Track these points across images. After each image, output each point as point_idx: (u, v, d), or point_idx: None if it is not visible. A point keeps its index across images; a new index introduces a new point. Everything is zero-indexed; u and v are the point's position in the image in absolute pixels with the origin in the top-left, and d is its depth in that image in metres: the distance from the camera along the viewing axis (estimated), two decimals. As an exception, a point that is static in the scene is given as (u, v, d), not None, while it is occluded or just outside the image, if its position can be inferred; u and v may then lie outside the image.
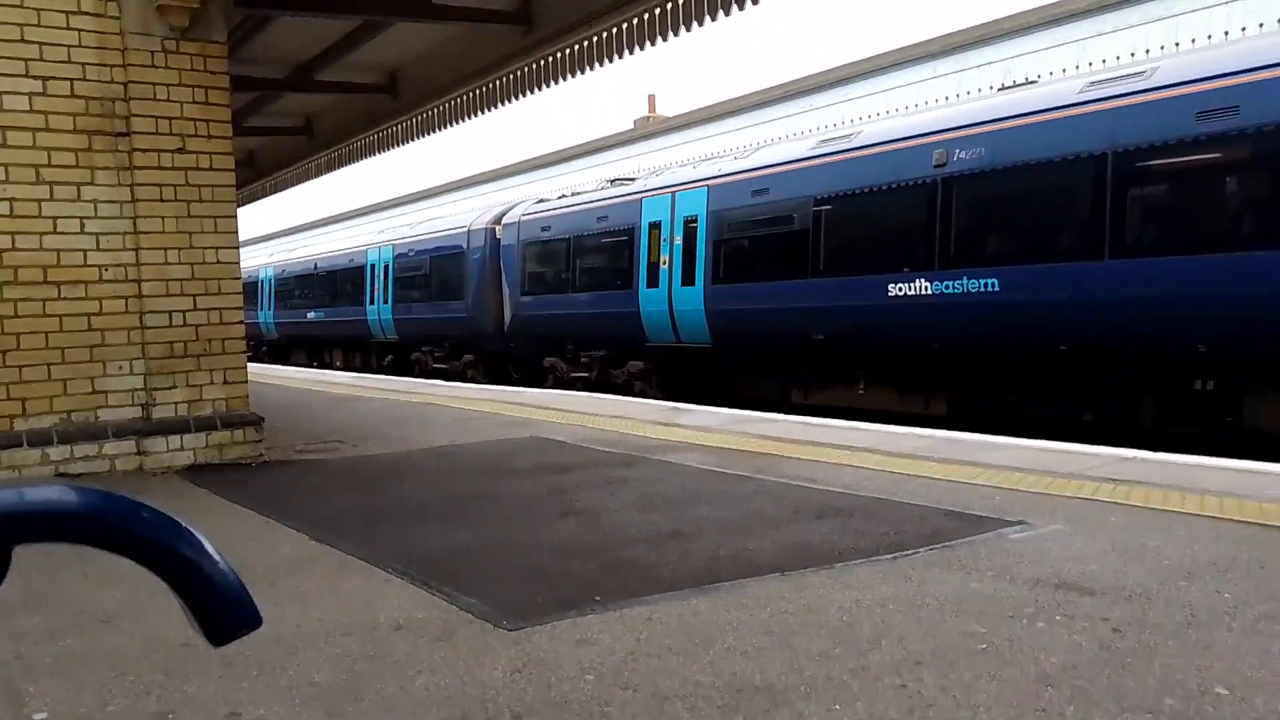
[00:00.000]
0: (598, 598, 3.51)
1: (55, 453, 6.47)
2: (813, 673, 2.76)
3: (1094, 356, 8.72)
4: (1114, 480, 5.46)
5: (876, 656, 2.87)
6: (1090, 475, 5.64)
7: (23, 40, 6.31)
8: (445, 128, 13.70)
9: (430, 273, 19.99)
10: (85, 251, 6.58)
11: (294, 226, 50.18)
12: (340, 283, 24.22)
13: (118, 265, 6.69)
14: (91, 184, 6.58)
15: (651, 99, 31.28)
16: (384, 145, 15.47)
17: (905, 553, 4.05)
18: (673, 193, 13.66)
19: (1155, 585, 3.50)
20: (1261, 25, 14.66)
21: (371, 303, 22.24)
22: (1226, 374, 7.96)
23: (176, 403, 6.91)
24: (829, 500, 5.18)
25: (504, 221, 17.87)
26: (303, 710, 2.60)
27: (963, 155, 9.57)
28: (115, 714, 2.62)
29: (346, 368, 23.98)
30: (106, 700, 2.71)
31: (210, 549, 0.95)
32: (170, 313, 6.87)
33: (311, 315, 25.89)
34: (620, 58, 9.97)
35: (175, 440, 6.88)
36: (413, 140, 14.73)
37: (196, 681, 2.81)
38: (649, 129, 28.91)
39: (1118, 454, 6.36)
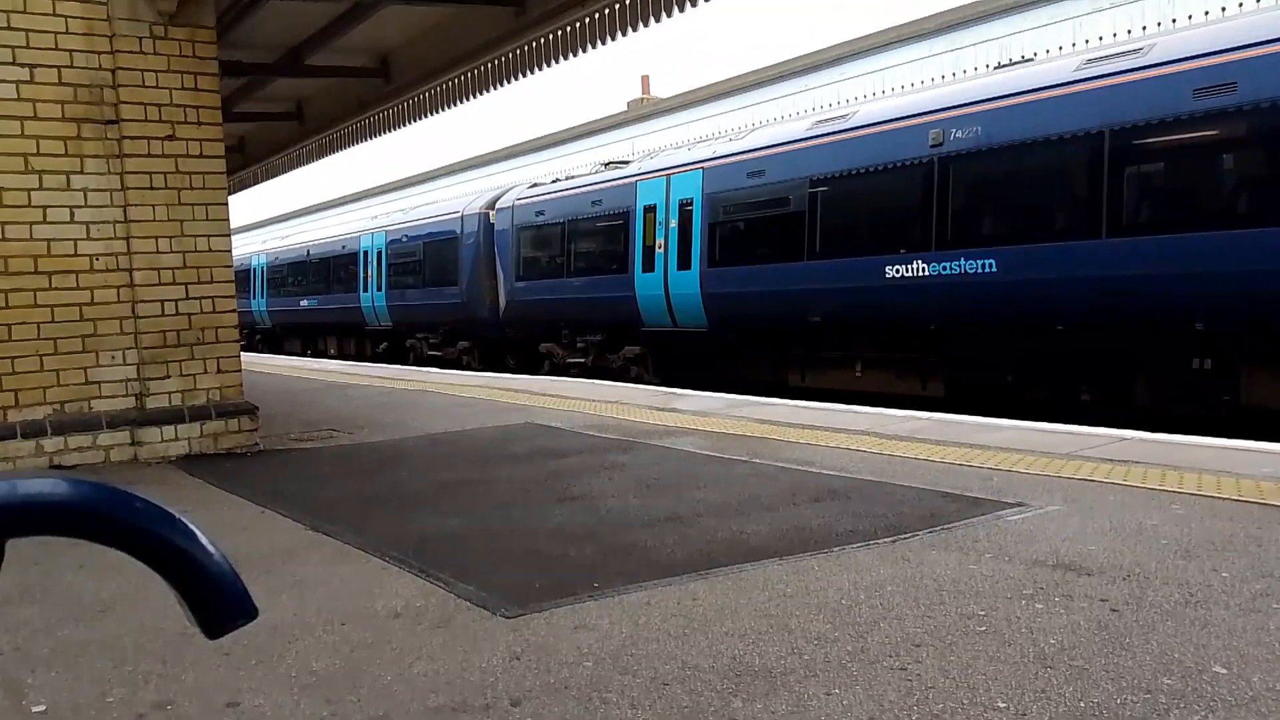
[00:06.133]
0: (595, 583, 3.51)
1: (49, 444, 6.45)
2: (811, 655, 2.77)
3: (1091, 336, 8.72)
4: (1111, 460, 5.47)
5: (875, 638, 2.88)
6: (1088, 455, 5.65)
7: (9, 27, 6.25)
8: (438, 112, 13.60)
9: (424, 259, 19.91)
10: (76, 241, 6.53)
11: (286, 213, 49.93)
12: (333, 270, 24.13)
13: (109, 254, 6.65)
14: (81, 172, 6.53)
15: (645, 80, 31.07)
16: (376, 130, 15.35)
17: (903, 535, 4.05)
18: (667, 175, 13.60)
19: (1153, 564, 3.51)
20: (1259, 1, 14.59)
21: (365, 290, 22.16)
22: (1224, 352, 7.96)
23: (170, 392, 6.88)
24: (826, 483, 5.18)
25: (498, 206, 17.80)
26: (302, 698, 2.60)
27: (959, 135, 9.53)
28: (114, 704, 2.61)
29: (340, 356, 23.93)
30: (105, 691, 2.70)
31: (204, 540, 0.93)
32: (162, 302, 6.84)
33: (305, 303, 25.81)
34: (613, 39, 9.88)
35: (169, 430, 6.86)
36: (405, 125, 14.63)
37: (195, 671, 2.80)
38: (643, 111, 28.74)
39: (1115, 434, 6.37)
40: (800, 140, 11.56)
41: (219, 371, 7.09)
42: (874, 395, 10.26)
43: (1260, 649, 2.69)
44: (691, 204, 13.01)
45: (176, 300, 6.89)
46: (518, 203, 17.22)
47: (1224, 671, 2.55)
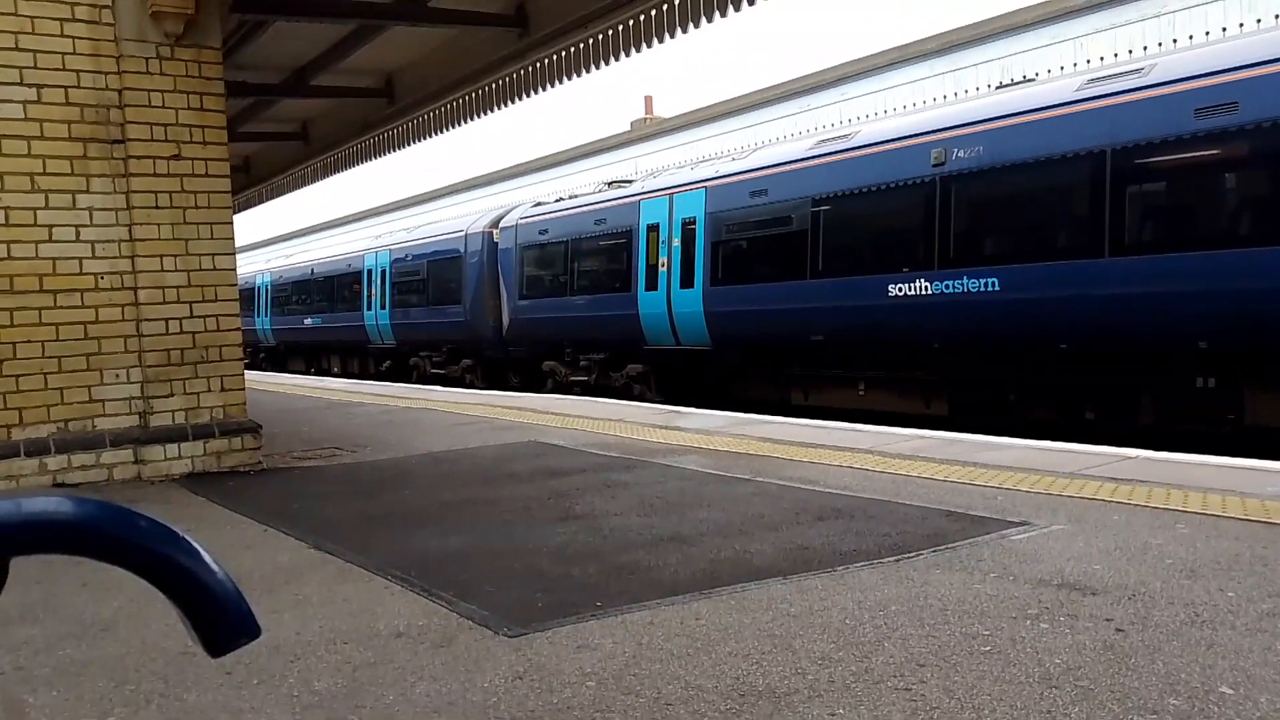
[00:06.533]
0: (598, 602, 3.50)
1: (53, 462, 6.45)
2: (815, 676, 2.75)
3: (1094, 355, 8.71)
4: (1115, 479, 5.45)
5: (879, 659, 2.86)
6: (1092, 475, 5.64)
7: (17, 48, 6.31)
8: (441, 132, 13.68)
9: (427, 277, 19.97)
10: (81, 259, 6.56)
11: (290, 232, 50.18)
12: (337, 288, 24.20)
13: (114, 273, 6.67)
14: (87, 191, 6.57)
15: (648, 100, 31.32)
16: (380, 150, 15.45)
17: (907, 554, 4.04)
18: (670, 195, 13.65)
19: (1158, 584, 3.49)
20: (1259, 21, 14.68)
21: (369, 308, 22.22)
22: (1227, 371, 7.95)
23: (174, 411, 6.89)
24: (829, 502, 5.16)
25: (501, 225, 17.86)
26: (304, 718, 2.59)
27: (961, 154, 9.56)
28: (114, 724, 2.60)
29: (344, 374, 23.95)
30: (106, 711, 2.69)
31: (208, 559, 0.94)
32: (167, 320, 6.85)
33: (309, 321, 25.87)
34: (617, 60, 9.96)
35: (173, 449, 6.86)
36: (409, 144, 14.72)
37: (197, 690, 2.79)
38: (646, 131, 28.92)
39: (1119, 453, 6.35)
40: (803, 160, 11.61)
41: (223, 390, 7.10)
42: (877, 414, 10.25)
43: (1267, 669, 2.67)
44: (694, 223, 13.05)
45: (181, 319, 6.91)
46: (521, 222, 17.28)
47: (1231, 692, 2.53)
